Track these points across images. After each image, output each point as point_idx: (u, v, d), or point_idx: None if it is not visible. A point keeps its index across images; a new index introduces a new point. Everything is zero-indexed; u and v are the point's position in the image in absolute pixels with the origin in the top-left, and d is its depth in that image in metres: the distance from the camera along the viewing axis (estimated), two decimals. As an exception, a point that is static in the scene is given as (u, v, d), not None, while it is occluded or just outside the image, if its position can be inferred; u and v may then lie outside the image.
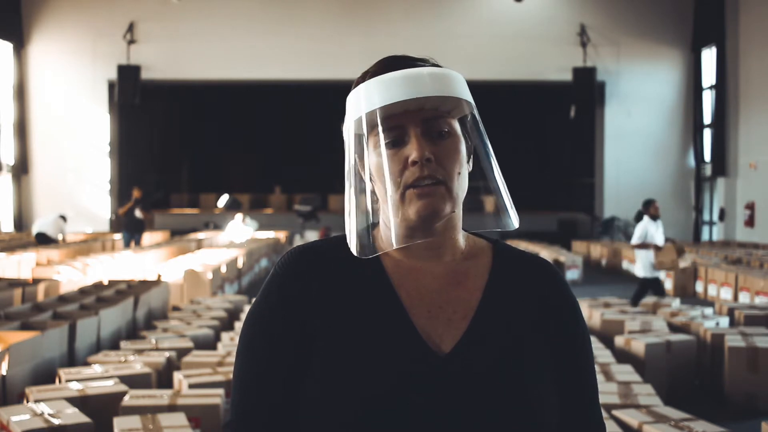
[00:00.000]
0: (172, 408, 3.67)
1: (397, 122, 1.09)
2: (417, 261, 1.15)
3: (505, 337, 1.12)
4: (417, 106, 1.09)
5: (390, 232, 1.12)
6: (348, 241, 1.11)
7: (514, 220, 1.12)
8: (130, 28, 18.32)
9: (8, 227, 18.25)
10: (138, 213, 13.72)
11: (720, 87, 16.81)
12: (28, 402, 3.79)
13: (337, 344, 1.09)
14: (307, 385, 1.09)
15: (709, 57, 17.78)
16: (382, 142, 1.09)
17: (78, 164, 18.76)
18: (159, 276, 9.06)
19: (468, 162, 1.14)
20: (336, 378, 1.07)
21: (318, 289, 1.13)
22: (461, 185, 1.11)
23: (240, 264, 11.23)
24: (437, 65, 1.16)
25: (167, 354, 4.84)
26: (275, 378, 1.11)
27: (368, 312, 1.11)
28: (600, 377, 4.60)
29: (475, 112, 1.14)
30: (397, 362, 1.07)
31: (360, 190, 1.13)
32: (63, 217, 14.06)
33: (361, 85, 1.11)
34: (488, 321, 1.12)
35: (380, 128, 1.09)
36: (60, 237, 13.69)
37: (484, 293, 1.15)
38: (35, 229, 13.75)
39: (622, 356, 5.65)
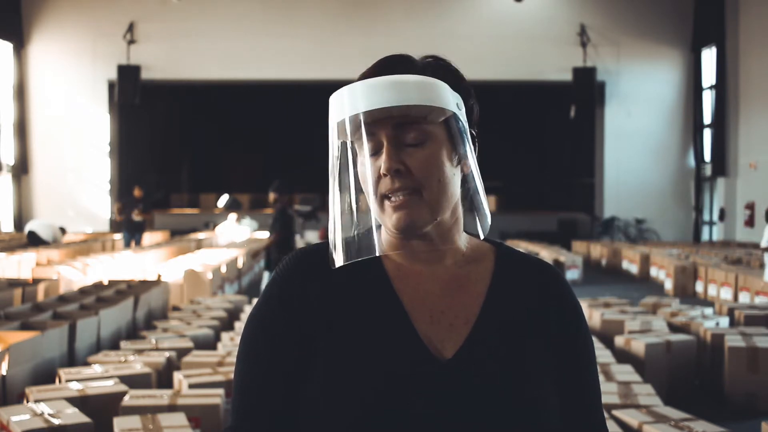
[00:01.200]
0: (172, 408, 3.67)
1: (369, 130, 1.07)
2: (418, 265, 1.14)
3: (507, 343, 1.11)
4: (384, 114, 1.06)
5: (386, 236, 1.12)
6: (331, 245, 1.08)
7: (484, 228, 1.10)
8: (130, 28, 18.31)
9: (8, 227, 18.24)
10: (135, 216, 13.68)
11: (720, 87, 16.80)
12: (28, 402, 3.78)
13: (338, 347, 1.09)
14: (308, 388, 1.08)
15: (709, 57, 17.77)
16: (365, 148, 1.08)
17: (78, 164, 18.76)
18: (159, 276, 9.05)
19: (457, 165, 1.10)
20: (337, 381, 1.06)
21: (319, 291, 1.12)
22: (444, 191, 1.07)
23: (240, 264, 11.23)
24: (439, 62, 1.14)
25: (167, 354, 4.83)
26: (276, 380, 1.10)
27: (369, 316, 1.11)
28: (600, 377, 4.58)
29: (459, 113, 1.09)
30: (398, 367, 1.06)
31: (343, 194, 1.11)
32: (62, 229, 14.09)
33: (333, 94, 1.10)
34: (490, 326, 1.11)
35: (361, 135, 1.07)
36: (51, 240, 13.66)
37: (486, 298, 1.14)
38: (28, 227, 13.79)
39: (622, 356, 5.64)
